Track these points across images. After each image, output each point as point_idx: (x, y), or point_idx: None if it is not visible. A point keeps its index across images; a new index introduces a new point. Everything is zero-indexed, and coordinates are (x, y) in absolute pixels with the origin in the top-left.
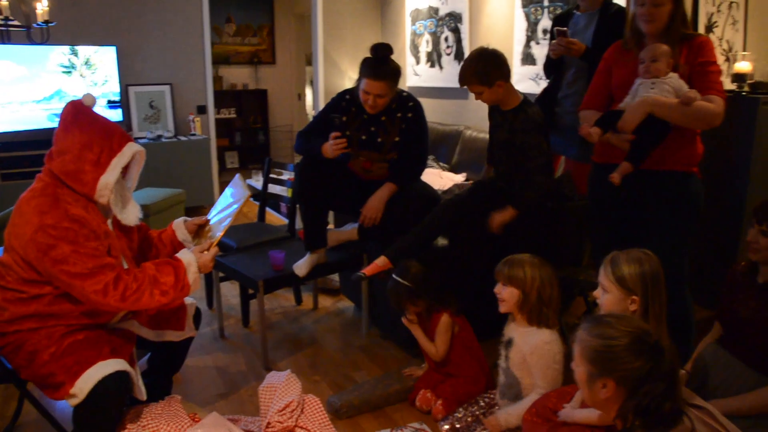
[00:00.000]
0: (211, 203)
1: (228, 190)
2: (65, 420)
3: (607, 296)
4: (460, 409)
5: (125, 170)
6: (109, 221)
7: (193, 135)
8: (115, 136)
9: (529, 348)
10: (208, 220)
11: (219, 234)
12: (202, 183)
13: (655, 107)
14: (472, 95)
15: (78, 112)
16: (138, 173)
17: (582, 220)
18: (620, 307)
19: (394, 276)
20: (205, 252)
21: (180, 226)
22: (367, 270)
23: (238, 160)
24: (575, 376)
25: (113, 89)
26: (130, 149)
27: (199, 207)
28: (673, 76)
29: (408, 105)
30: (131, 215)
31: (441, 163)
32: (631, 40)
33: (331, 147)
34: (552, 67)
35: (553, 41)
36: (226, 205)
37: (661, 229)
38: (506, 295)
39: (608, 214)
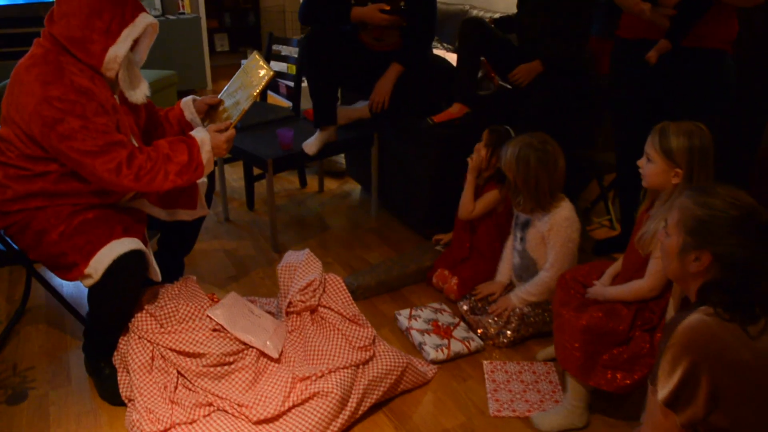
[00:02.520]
0: (204, 87)
1: (242, 70)
2: (76, 302)
3: (650, 165)
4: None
5: (135, 43)
6: (116, 96)
7: (182, 14)
8: (128, 3)
9: (548, 225)
10: (221, 101)
11: (237, 115)
12: (194, 65)
13: None
14: None
15: None
16: (148, 48)
17: (598, 99)
18: (663, 178)
19: (508, 127)
20: (222, 132)
21: (188, 105)
22: (438, 117)
23: (228, 42)
24: (662, 245)
25: None
26: (144, 20)
27: (191, 90)
28: None
29: None
30: (140, 93)
31: (444, 44)
32: None
33: (381, 18)
34: None
35: None
36: (241, 86)
37: (689, 107)
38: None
39: (633, 91)
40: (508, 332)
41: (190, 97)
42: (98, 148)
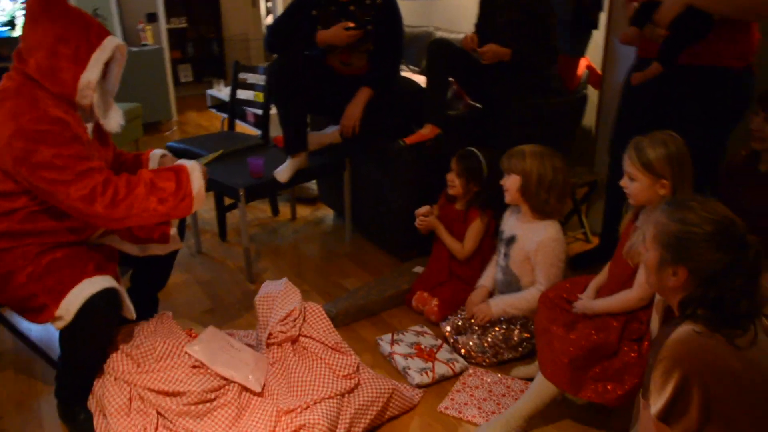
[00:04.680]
0: (169, 118)
1: None
2: (46, 345)
3: (635, 184)
4: (460, 311)
5: (105, 70)
6: (89, 128)
7: (145, 45)
8: (93, 28)
9: (534, 245)
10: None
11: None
12: (158, 97)
13: None
14: None
15: (48, 2)
16: (120, 73)
17: (571, 116)
18: (649, 193)
19: (471, 148)
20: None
21: (155, 156)
22: (410, 139)
23: (192, 73)
24: (642, 259)
25: None
26: (111, 43)
27: (156, 123)
28: None
29: None
30: (114, 121)
31: (411, 66)
32: None
33: (347, 35)
34: None
35: None
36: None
37: (692, 129)
38: (509, 183)
39: (641, 107)
40: (491, 358)
41: (159, 150)
42: (72, 176)
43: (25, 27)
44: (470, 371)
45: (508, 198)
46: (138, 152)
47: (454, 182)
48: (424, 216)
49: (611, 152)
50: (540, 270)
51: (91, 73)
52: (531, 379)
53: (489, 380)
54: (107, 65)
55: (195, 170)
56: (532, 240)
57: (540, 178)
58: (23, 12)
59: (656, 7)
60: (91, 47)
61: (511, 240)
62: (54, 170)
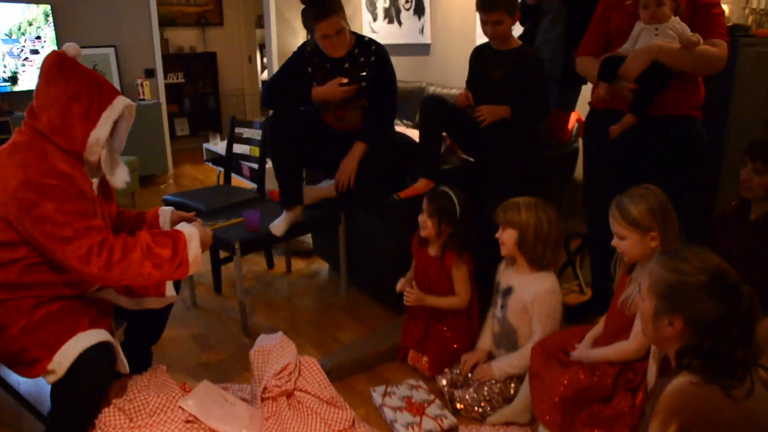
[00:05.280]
0: (165, 171)
1: None
2: (35, 400)
3: (625, 242)
4: (456, 365)
5: (114, 127)
6: (95, 183)
7: (143, 100)
8: (104, 87)
9: (531, 296)
10: (196, 217)
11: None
12: (155, 151)
13: (661, 54)
14: (433, 50)
15: (62, 63)
16: (126, 132)
17: (561, 168)
18: (642, 248)
19: (444, 188)
20: (206, 227)
21: (165, 213)
22: (404, 193)
23: (188, 127)
24: (639, 309)
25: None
26: (121, 102)
27: (152, 176)
28: (675, 20)
29: (371, 49)
30: (119, 177)
31: (405, 121)
32: None
33: (342, 91)
34: (528, 14)
35: None
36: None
37: (661, 175)
38: (505, 237)
39: (605, 159)
40: (488, 410)
41: (169, 208)
42: (72, 233)
43: (38, 86)
44: (466, 430)
45: (504, 251)
46: (141, 211)
47: (426, 224)
48: (409, 291)
49: (587, 207)
50: (537, 322)
51: (101, 131)
52: (510, 424)
53: None
54: (116, 123)
55: (193, 238)
56: (529, 291)
57: (537, 232)
58: (24, 68)
59: (618, 63)
60: (102, 106)
61: (508, 291)
62: (54, 225)
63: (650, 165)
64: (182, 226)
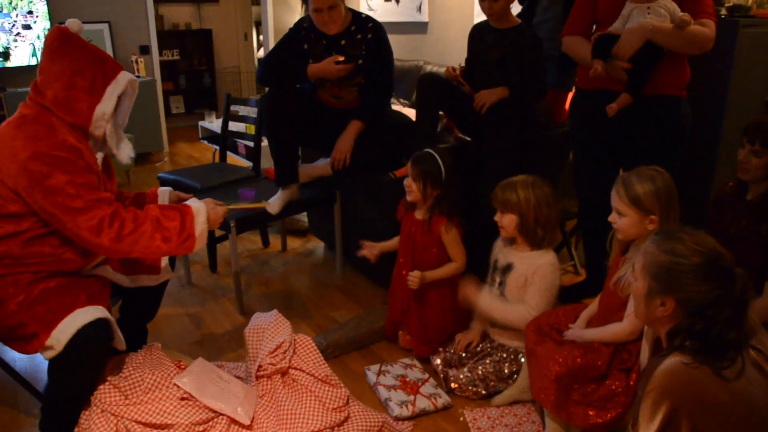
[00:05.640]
0: (160, 149)
1: None
2: (30, 377)
3: (623, 219)
4: (450, 344)
5: (117, 102)
6: (99, 158)
7: (138, 77)
8: (108, 62)
9: (533, 268)
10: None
11: (234, 204)
12: (150, 128)
13: (655, 33)
14: (431, 29)
15: (66, 38)
16: (130, 107)
17: (558, 149)
18: (638, 228)
19: (428, 150)
20: (218, 206)
21: (164, 193)
22: (400, 172)
23: (183, 104)
24: (632, 288)
25: (43, 26)
26: (125, 77)
27: (147, 153)
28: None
29: (367, 26)
30: (124, 152)
31: (401, 100)
32: None
33: (337, 69)
34: None
35: None
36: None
37: (649, 154)
38: (505, 221)
39: (593, 140)
40: (482, 390)
41: (167, 188)
42: (83, 204)
43: (42, 61)
44: (471, 414)
45: (504, 234)
46: (140, 191)
47: (411, 187)
48: (412, 274)
49: (578, 189)
50: (534, 293)
51: (106, 105)
52: (510, 404)
53: (494, 415)
54: (119, 99)
55: (200, 213)
56: (531, 265)
57: (537, 216)
58: (16, 44)
59: (613, 41)
60: (107, 80)
61: (508, 268)
62: (66, 197)
63: (638, 144)
64: (191, 202)
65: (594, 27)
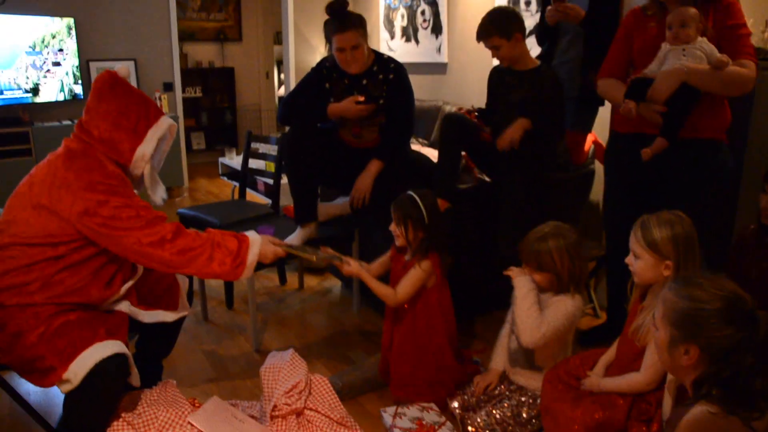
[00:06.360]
0: (181, 184)
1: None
2: (44, 411)
3: (639, 262)
4: (471, 387)
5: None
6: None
7: None
8: (151, 106)
9: (553, 303)
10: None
11: (297, 250)
12: (171, 164)
13: (690, 76)
14: (450, 69)
15: (115, 82)
16: (166, 151)
17: (578, 190)
18: (654, 273)
19: (410, 192)
20: (274, 245)
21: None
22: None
23: (204, 141)
24: (654, 338)
25: (72, 63)
26: (166, 122)
27: (167, 189)
28: (702, 40)
29: (389, 66)
30: (159, 194)
31: (420, 139)
32: (652, 5)
33: (357, 109)
34: (546, 35)
35: (549, 7)
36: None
37: (681, 198)
38: (539, 278)
39: (626, 182)
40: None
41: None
42: (144, 222)
43: (90, 101)
44: None
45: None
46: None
47: (395, 232)
48: (347, 259)
49: (605, 227)
50: (549, 317)
51: (147, 147)
52: None
53: None
54: (159, 141)
55: (254, 245)
56: (553, 301)
57: (570, 276)
58: (46, 80)
59: (648, 84)
60: (149, 123)
61: None
62: (126, 219)
63: (673, 188)
64: (249, 233)
65: (630, 70)
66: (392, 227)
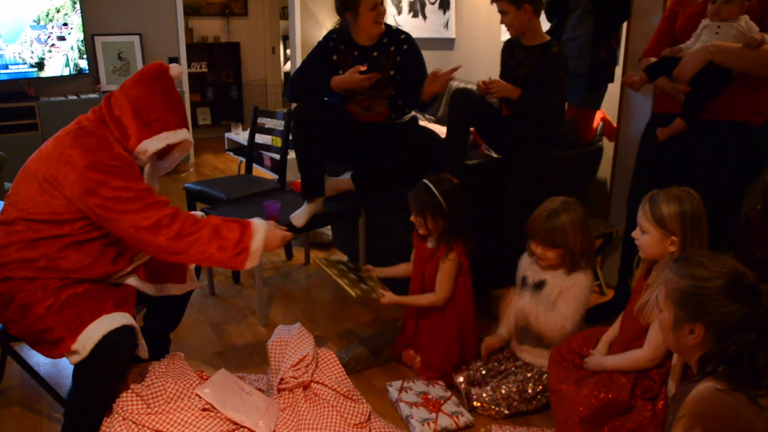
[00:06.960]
0: (186, 160)
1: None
2: (54, 382)
3: (645, 237)
4: (476, 362)
5: (167, 151)
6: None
7: None
8: (178, 116)
9: (569, 282)
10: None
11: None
12: None
13: (717, 54)
14: (458, 46)
15: (160, 76)
16: (177, 161)
17: (586, 168)
18: (659, 248)
19: (425, 181)
20: (281, 230)
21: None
22: None
23: (210, 116)
24: (658, 319)
25: (77, 38)
26: (183, 134)
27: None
28: (743, 18)
29: (400, 38)
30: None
31: (427, 116)
32: None
33: (360, 79)
34: (556, 9)
35: None
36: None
37: (709, 183)
38: (552, 256)
39: (656, 162)
40: (505, 410)
41: (199, 213)
42: (142, 205)
43: (130, 80)
44: (500, 431)
45: (544, 263)
46: None
47: (418, 222)
48: (382, 293)
49: (628, 205)
50: (569, 305)
51: (152, 144)
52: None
53: None
54: (171, 149)
55: (259, 231)
56: (567, 280)
57: (582, 251)
58: (51, 54)
59: (674, 63)
60: (166, 128)
61: (540, 285)
62: (125, 201)
63: (699, 171)
64: (255, 220)
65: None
66: (414, 218)
